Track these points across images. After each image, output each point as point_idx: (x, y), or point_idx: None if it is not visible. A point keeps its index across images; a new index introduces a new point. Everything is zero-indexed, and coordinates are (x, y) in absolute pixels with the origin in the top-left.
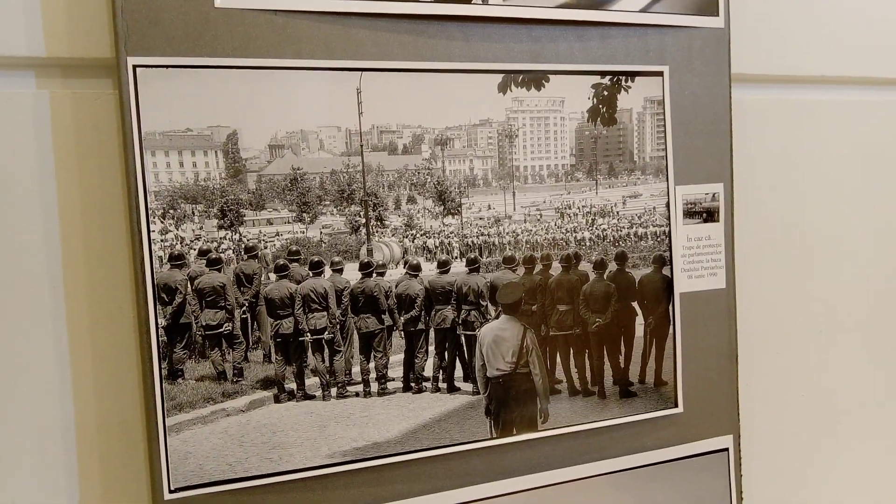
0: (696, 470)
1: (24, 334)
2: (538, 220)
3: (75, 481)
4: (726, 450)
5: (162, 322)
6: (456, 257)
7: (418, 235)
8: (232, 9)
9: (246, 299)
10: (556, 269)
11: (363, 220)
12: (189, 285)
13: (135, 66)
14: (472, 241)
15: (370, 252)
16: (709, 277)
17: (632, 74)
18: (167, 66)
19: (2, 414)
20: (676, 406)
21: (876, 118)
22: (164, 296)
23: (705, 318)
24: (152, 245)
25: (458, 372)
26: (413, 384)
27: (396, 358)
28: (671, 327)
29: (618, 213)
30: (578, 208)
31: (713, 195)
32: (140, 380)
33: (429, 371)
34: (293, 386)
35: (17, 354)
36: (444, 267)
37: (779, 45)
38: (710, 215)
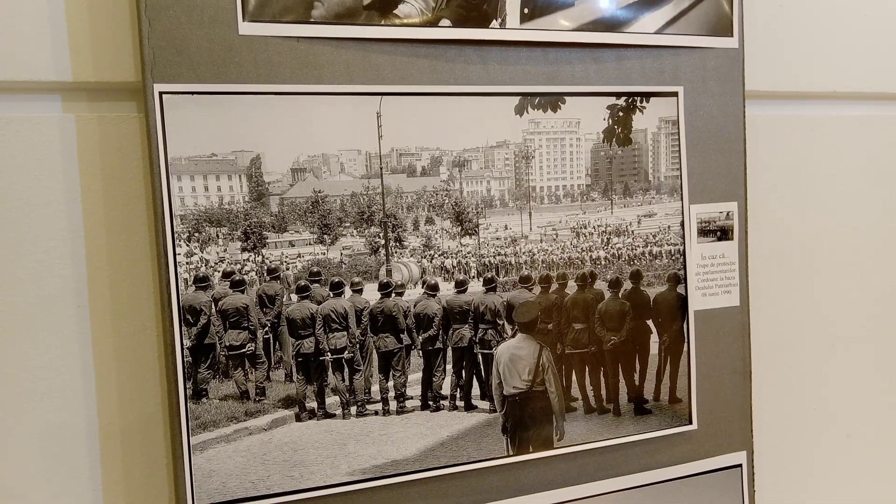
0: (710, 486)
1: (50, 353)
2: (554, 239)
3: (99, 498)
4: (739, 466)
5: (187, 343)
6: (473, 277)
7: (436, 256)
8: (255, 36)
9: (268, 320)
10: (571, 287)
11: (382, 241)
12: (213, 307)
13: (161, 93)
14: (489, 261)
15: (389, 272)
16: (723, 295)
17: (647, 95)
18: (193, 93)
19: (27, 431)
20: (690, 423)
21: (888, 133)
22: (189, 317)
23: (719, 335)
24: (178, 268)
25: (476, 390)
26: (431, 402)
27: (415, 376)
28: (685, 345)
29: (633, 232)
30: (594, 228)
31: (727, 213)
32: (163, 398)
33: (446, 389)
34: (314, 405)
35: (43, 372)
36: (461, 286)
37: (791, 61)
38: (724, 233)
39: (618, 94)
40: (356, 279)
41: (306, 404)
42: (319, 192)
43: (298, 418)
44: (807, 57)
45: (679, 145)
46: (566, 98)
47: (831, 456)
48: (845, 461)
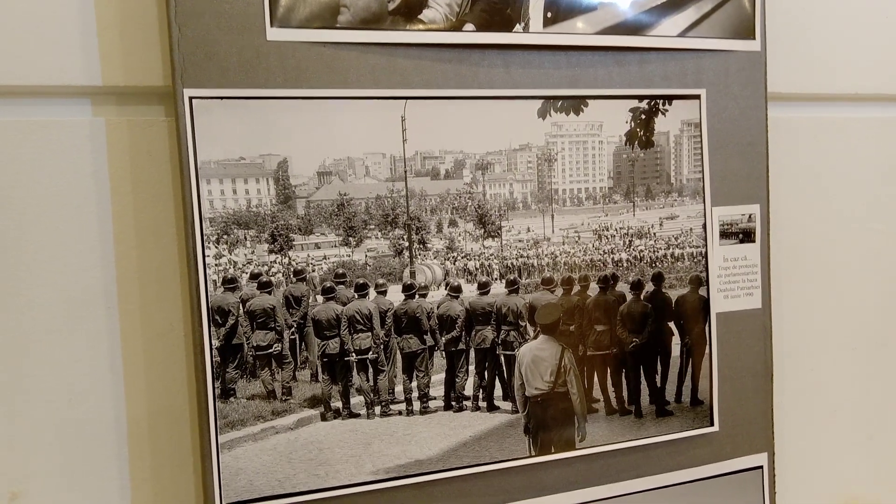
0: (731, 487)
1: (80, 353)
2: (576, 241)
3: (128, 497)
4: (761, 467)
5: (215, 343)
6: (496, 279)
7: (459, 258)
8: (283, 42)
9: (294, 321)
10: (593, 289)
11: (406, 244)
12: (241, 307)
13: (191, 98)
14: (512, 263)
15: (413, 274)
16: (745, 297)
17: (669, 98)
18: (222, 98)
19: (57, 430)
20: (712, 425)
21: None
22: (217, 318)
23: (741, 337)
24: (207, 269)
25: (498, 391)
26: (454, 403)
27: (438, 377)
28: (707, 347)
29: (655, 234)
30: (616, 230)
31: (749, 216)
32: (191, 398)
33: (469, 390)
34: (339, 404)
35: (73, 371)
36: (484, 288)
37: (813, 63)
38: (746, 236)
39: (640, 97)
40: (380, 281)
41: (331, 404)
42: (345, 194)
43: (324, 418)
44: (829, 59)
45: (701, 148)
46: (588, 101)
47: (853, 458)
48: (867, 463)
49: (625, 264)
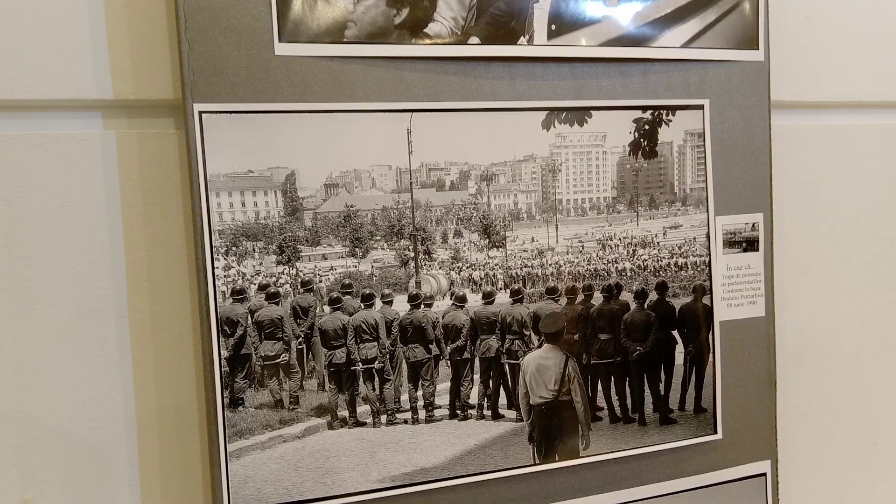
0: (735, 495)
1: (91, 362)
2: (580, 251)
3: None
4: (764, 475)
5: (224, 353)
6: (500, 289)
7: (464, 268)
8: (291, 56)
9: (302, 331)
10: (597, 298)
11: (412, 254)
12: (249, 318)
13: (201, 113)
14: (516, 273)
15: (418, 284)
16: (748, 306)
17: (673, 108)
18: (230, 112)
19: (69, 437)
20: (716, 432)
21: None
22: (226, 328)
23: (745, 345)
24: (216, 280)
25: (503, 400)
26: (459, 411)
27: (443, 386)
28: (711, 355)
29: (658, 243)
30: (620, 240)
31: (753, 225)
32: (200, 407)
33: (474, 399)
34: (345, 413)
35: (84, 380)
36: (488, 298)
37: (817, 71)
38: (749, 244)
39: (644, 108)
40: (386, 291)
41: (338, 413)
42: (351, 206)
43: (331, 426)
44: (833, 67)
45: (705, 157)
46: (592, 112)
47: (857, 464)
48: (871, 470)
49: (628, 273)
